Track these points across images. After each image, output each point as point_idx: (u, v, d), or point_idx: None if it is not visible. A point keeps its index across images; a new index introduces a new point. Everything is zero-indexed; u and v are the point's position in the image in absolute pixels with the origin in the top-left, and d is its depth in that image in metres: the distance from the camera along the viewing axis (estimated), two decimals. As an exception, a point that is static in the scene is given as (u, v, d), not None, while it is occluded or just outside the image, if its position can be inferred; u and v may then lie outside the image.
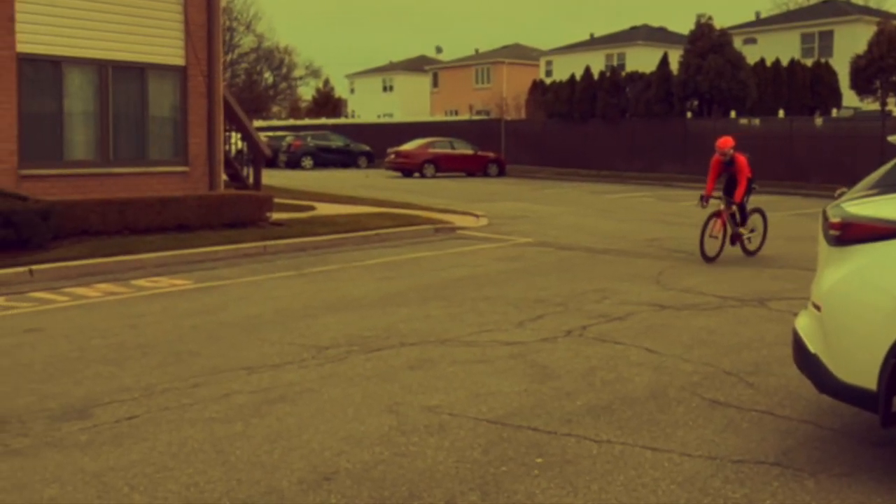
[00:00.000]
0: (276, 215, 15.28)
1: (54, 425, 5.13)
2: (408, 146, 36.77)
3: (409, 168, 35.55)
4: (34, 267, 10.47)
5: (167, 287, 10.03)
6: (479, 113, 56.30)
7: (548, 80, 46.09)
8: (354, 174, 36.51)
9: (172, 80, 15.91)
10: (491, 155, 37.94)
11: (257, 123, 52.02)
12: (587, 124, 38.87)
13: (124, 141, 15.34)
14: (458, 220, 17.08)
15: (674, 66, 36.13)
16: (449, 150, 36.87)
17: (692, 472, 4.46)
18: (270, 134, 44.30)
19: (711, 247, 12.00)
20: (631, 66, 47.39)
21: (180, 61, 15.89)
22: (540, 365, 6.50)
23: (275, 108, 71.24)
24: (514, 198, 24.06)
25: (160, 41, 15.61)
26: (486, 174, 36.90)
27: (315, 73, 71.98)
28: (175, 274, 10.86)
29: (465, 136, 40.48)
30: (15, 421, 5.19)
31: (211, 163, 16.28)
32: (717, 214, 12.17)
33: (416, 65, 75.89)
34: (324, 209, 18.09)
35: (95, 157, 14.88)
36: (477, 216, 17.96)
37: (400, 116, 61.99)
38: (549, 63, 60.62)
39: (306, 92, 78.21)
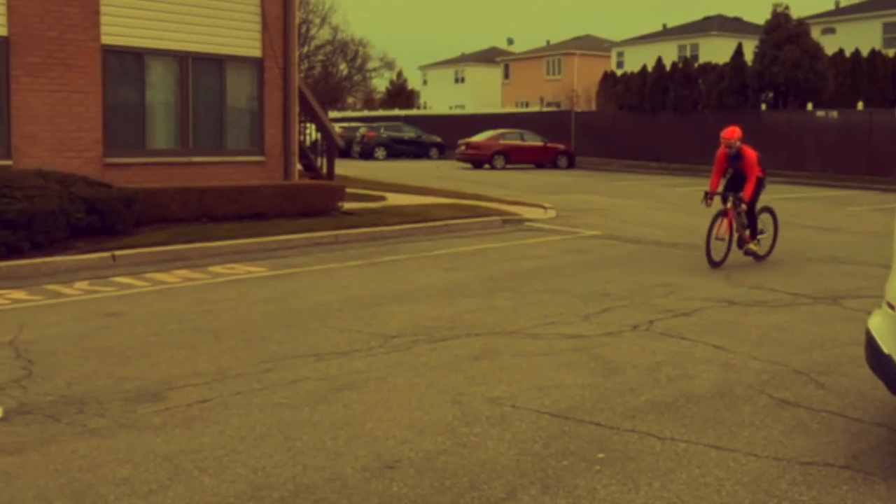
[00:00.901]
0: (347, 205, 15.39)
1: (130, 407, 5.24)
2: (478, 138, 36.71)
3: (479, 159, 35.49)
4: (117, 252, 10.73)
5: (242, 274, 10.19)
6: (549, 105, 55.91)
7: (619, 72, 45.52)
8: (425, 165, 36.58)
9: (249, 71, 16.13)
10: (560, 147, 37.64)
11: (332, 115, 52.52)
12: (658, 116, 38.29)
13: (203, 131, 15.62)
14: (526, 212, 16.98)
15: (748, 56, 35.31)
16: (519, 142, 36.70)
17: (758, 472, 4.35)
18: (345, 125, 44.68)
19: (717, 250, 10.64)
20: (704, 57, 46.47)
21: (257, 53, 16.10)
22: (604, 359, 6.41)
23: (350, 100, 71.83)
24: (583, 190, 23.83)
25: (238, 33, 15.83)
26: (555, 166, 36.64)
27: (389, 65, 72.34)
28: (250, 261, 11.02)
29: (535, 127, 40.24)
30: (93, 402, 5.32)
31: (286, 153, 16.48)
32: (724, 214, 10.78)
33: (487, 56, 75.67)
34: (394, 199, 18.16)
35: (176, 146, 15.18)
36: (545, 208, 17.83)
37: (471, 108, 61.90)
38: (620, 54, 59.86)
39: (380, 83, 78.67)
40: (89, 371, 5.98)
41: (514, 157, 35.89)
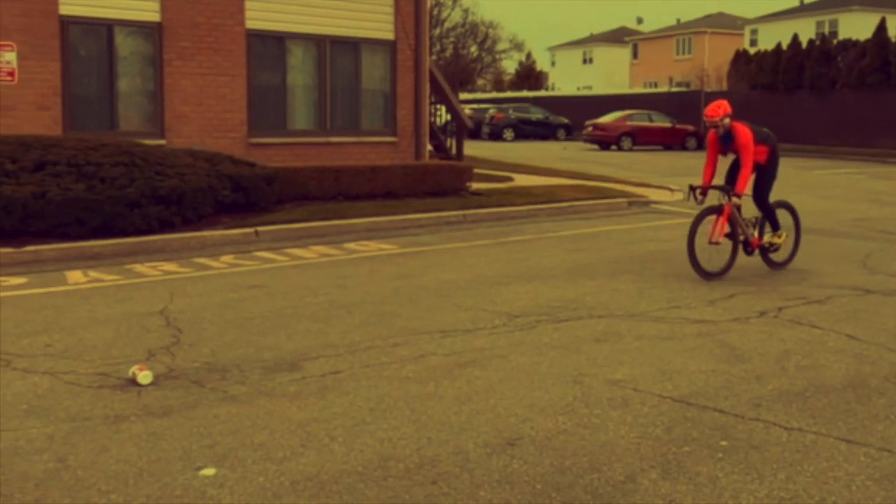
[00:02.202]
0: (475, 185, 15.44)
1: (268, 376, 5.43)
2: (605, 119, 36.13)
3: (606, 141, 34.95)
4: (259, 228, 11.11)
5: (375, 251, 10.38)
6: (678, 85, 54.38)
7: (752, 50, 43.82)
8: (552, 146, 36.30)
9: (383, 54, 16.34)
10: (690, 128, 36.64)
11: (462, 96, 52.68)
12: (793, 96, 36.71)
13: (339, 112, 15.95)
14: (652, 194, 16.63)
15: (893, 32, 33.29)
16: (647, 123, 35.93)
17: (892, 469, 4.13)
18: (474, 106, 44.76)
19: (711, 257, 8.53)
20: (844, 33, 44.20)
21: (390, 36, 16.29)
22: (729, 345, 6.23)
23: (479, 82, 71.89)
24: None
25: (372, 16, 16.06)
26: (684, 147, 35.71)
27: (518, 47, 72.02)
28: (382, 238, 11.21)
29: (664, 108, 39.28)
30: (234, 370, 5.54)
31: (417, 134, 16.65)
32: (716, 211, 8.64)
33: (616, 36, 74.20)
34: (521, 180, 18.10)
35: (314, 127, 15.57)
36: (672, 190, 17.40)
37: (599, 89, 60.92)
38: (753, 32, 57.57)
39: (509, 65, 78.39)
40: (231, 340, 6.22)
41: (642, 139, 35.16)
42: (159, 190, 10.42)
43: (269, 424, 4.60)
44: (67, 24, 12.98)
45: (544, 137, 41.95)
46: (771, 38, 46.18)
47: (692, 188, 8.79)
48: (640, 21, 76.46)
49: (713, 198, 8.85)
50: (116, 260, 9.47)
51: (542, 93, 61.84)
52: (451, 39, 62.43)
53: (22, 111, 12.46)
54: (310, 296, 7.75)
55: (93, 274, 8.71)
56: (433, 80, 17.54)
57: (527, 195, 15.14)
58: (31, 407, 4.79)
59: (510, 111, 42.87)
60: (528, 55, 77.38)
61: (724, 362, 5.81)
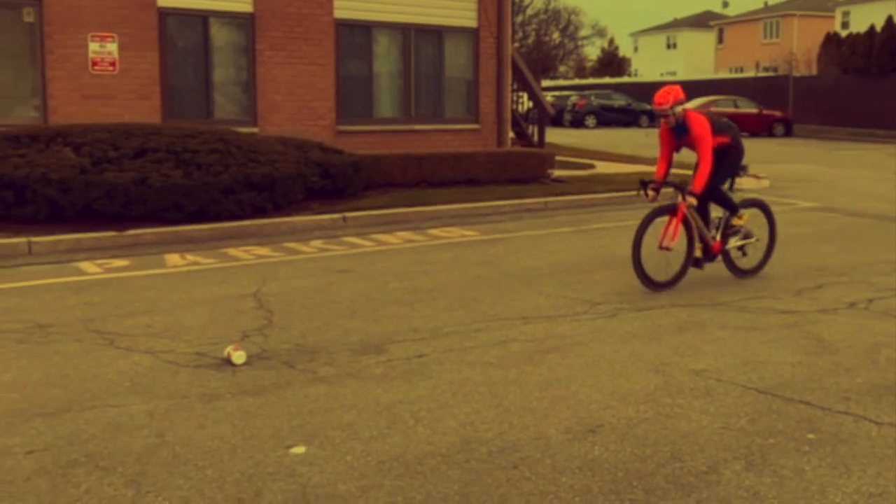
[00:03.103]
0: (557, 172, 15.34)
1: (355, 358, 5.52)
2: (689, 105, 35.36)
3: (690, 127, 34.22)
4: (347, 214, 11.27)
5: (458, 237, 10.43)
6: (765, 70, 52.87)
7: (843, 33, 42.28)
8: (635, 133, 35.74)
9: (466, 41, 16.34)
10: (777, 114, 35.63)
11: (544, 83, 52.27)
12: (887, 80, 35.28)
13: (423, 100, 16.03)
14: (738, 182, 16.23)
15: None
16: (732, 109, 35.05)
17: (982, 465, 3.99)
18: (556, 93, 44.38)
19: (661, 264, 7.39)
20: (942, 16, 42.21)
21: (473, 23, 16.28)
22: (817, 337, 6.07)
23: (562, 68, 71.20)
24: (801, 159, 22.48)
25: (455, 4, 16.07)
26: (771, 134, 34.76)
27: (600, 33, 71.07)
28: (465, 225, 11.25)
29: (750, 94, 38.27)
30: (323, 351, 5.65)
31: (499, 121, 16.61)
32: (668, 211, 7.51)
33: (700, 21, 72.46)
34: (603, 168, 17.90)
35: (399, 114, 15.68)
36: (758, 178, 16.96)
37: (683, 75, 59.63)
38: (845, 14, 55.45)
39: (591, 52, 77.39)
40: (320, 323, 6.35)
41: (727, 125, 34.34)
42: (252, 176, 10.65)
43: (356, 405, 4.68)
44: (165, 15, 13.34)
45: (626, 124, 41.33)
46: (864, 20, 44.45)
47: (642, 183, 7.72)
48: (725, 4, 74.54)
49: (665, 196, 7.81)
50: (212, 244, 9.74)
51: (624, 79, 60.90)
52: (534, 26, 61.89)
53: (123, 100, 12.88)
54: (395, 281, 7.84)
55: (190, 257, 8.98)
56: (515, 68, 17.46)
57: (608, 182, 14.98)
58: (133, 384, 4.98)
59: (592, 98, 42.36)
60: (611, 41, 76.29)
61: (811, 354, 5.67)
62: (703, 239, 7.74)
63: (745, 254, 8.03)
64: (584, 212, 12.62)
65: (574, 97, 42.50)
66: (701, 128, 7.43)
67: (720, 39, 67.91)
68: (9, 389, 4.86)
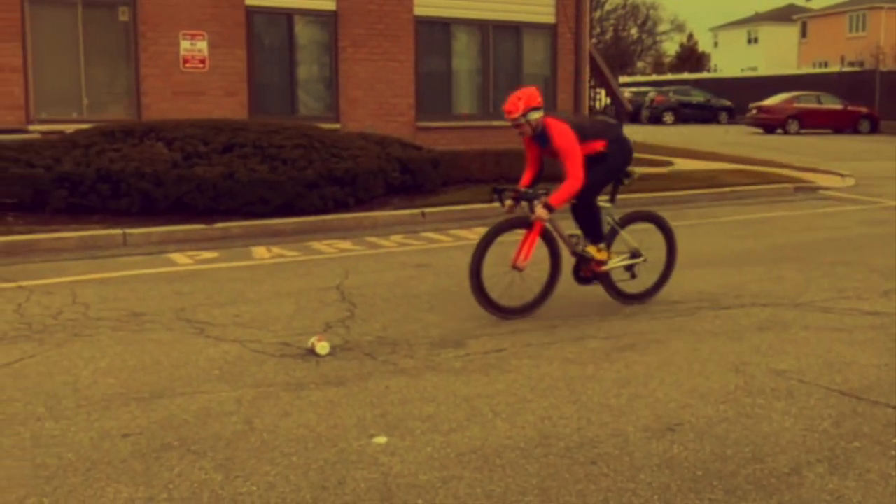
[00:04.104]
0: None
1: (434, 351, 5.57)
2: (770, 101, 34.50)
3: (770, 124, 33.39)
4: (426, 209, 11.35)
5: (533, 233, 10.38)
6: (851, 64, 51.21)
7: (934, 29, 40.63)
8: (714, 130, 35.03)
9: (544, 37, 16.27)
10: (863, 110, 34.45)
11: (622, 79, 51.59)
12: (978, 77, 33.83)
13: (501, 96, 15.94)
14: (820, 180, 15.81)
15: None
16: (815, 105, 34.06)
17: None
18: (634, 90, 43.78)
19: (511, 286, 6.34)
20: None
21: (551, 19, 16.19)
22: (903, 339, 5.87)
23: (639, 64, 70.24)
24: (888, 157, 21.72)
25: (534, 0, 15.98)
26: (856, 131, 33.64)
27: (679, 28, 69.95)
28: (540, 221, 11.20)
29: (834, 89, 37.09)
30: (404, 344, 5.71)
31: (577, 117, 16.49)
32: (521, 224, 6.44)
33: (783, 14, 70.49)
34: (682, 164, 17.62)
35: (477, 111, 15.70)
36: (842, 176, 16.49)
37: (764, 70, 58.16)
38: (937, 7, 53.34)
39: (670, 47, 76.13)
40: (400, 316, 6.41)
41: (810, 122, 33.38)
42: (335, 171, 10.80)
43: (435, 397, 4.72)
44: (252, 13, 13.62)
45: (705, 121, 40.53)
46: (955, 14, 42.69)
47: (496, 191, 6.58)
48: (809, -2, 72.41)
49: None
50: (296, 237, 9.92)
51: (703, 75, 59.70)
52: (612, 22, 61.25)
53: (212, 96, 13.20)
54: (474, 276, 7.85)
55: (275, 250, 9.17)
56: (593, 63, 17.31)
57: (687, 179, 14.73)
58: (222, 372, 5.12)
59: (670, 94, 41.65)
60: (690, 36, 74.90)
61: (897, 357, 5.49)
62: (574, 254, 6.69)
63: (634, 275, 6.85)
64: (663, 209, 12.28)
65: (652, 93, 41.86)
66: (563, 139, 6.23)
67: (803, 33, 65.98)
68: (106, 375, 5.04)
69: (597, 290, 7.22)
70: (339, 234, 10.19)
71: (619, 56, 58.16)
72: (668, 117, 40.01)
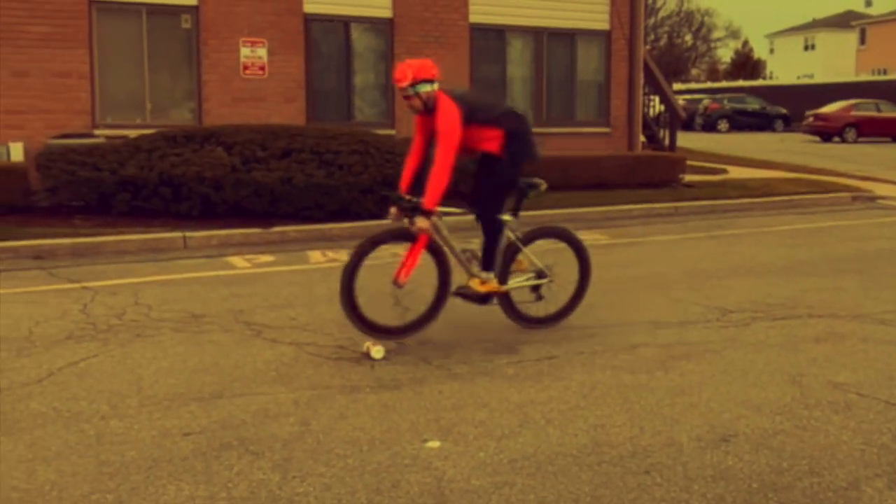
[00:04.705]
0: (688, 177, 15.00)
1: (487, 357, 5.57)
2: (827, 109, 33.80)
3: (827, 132, 32.71)
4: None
5: (588, 240, 10.25)
6: (911, 73, 49.95)
7: None
8: (769, 138, 34.45)
9: (597, 44, 16.20)
10: (923, 118, 33.57)
11: (675, 86, 51.05)
12: None
13: (555, 103, 15.97)
14: (879, 189, 15.46)
15: None
16: (874, 113, 33.29)
17: None
18: (688, 97, 43.24)
19: (394, 304, 5.79)
20: None
21: (605, 26, 16.11)
22: (966, 353, 5.71)
23: (693, 71, 69.41)
24: (947, 166, 21.15)
25: (588, 7, 15.94)
26: (915, 139, 32.82)
27: (734, 35, 68.90)
28: (594, 228, 11.15)
29: (894, 97, 36.20)
30: (458, 349, 5.72)
31: (630, 124, 16.37)
32: (401, 236, 5.74)
33: (841, 21, 69.06)
34: (736, 173, 17.37)
35: (531, 118, 15.65)
36: (901, 185, 16.12)
37: (821, 77, 57.05)
38: None
39: (725, 54, 75.06)
40: (454, 321, 6.38)
41: (868, 130, 32.63)
42: (390, 177, 10.83)
43: (488, 403, 4.73)
44: (310, 21, 13.79)
45: (760, 128, 39.86)
46: None
47: (384, 198, 5.89)
48: (868, 3, 70.80)
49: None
50: (351, 242, 9.90)
51: (758, 82, 58.75)
52: (666, 28, 60.65)
53: (270, 102, 13.39)
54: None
55: (330, 254, 9.26)
56: (647, 70, 17.17)
57: (741, 188, 14.53)
58: (279, 374, 5.19)
59: (725, 101, 41.05)
60: (745, 43, 73.74)
61: (959, 371, 5.34)
62: (466, 271, 5.95)
63: (540, 297, 6.15)
64: (717, 217, 12.29)
65: (706, 100, 41.31)
66: (444, 118, 5.39)
67: (862, 40, 64.57)
68: (167, 375, 5.14)
69: (647, 297, 7.16)
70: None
71: (673, 63, 57.55)
72: (723, 125, 39.44)
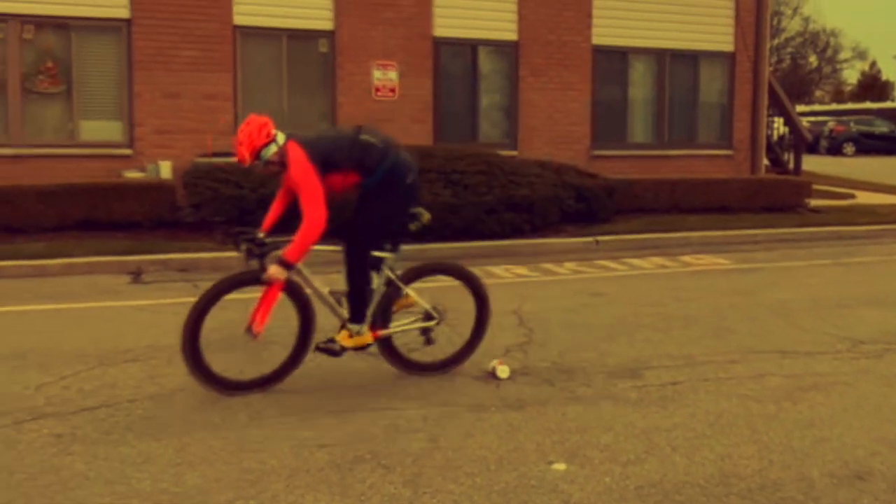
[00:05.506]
0: (814, 202, 14.37)
1: (610, 381, 5.46)
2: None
3: (963, 155, 30.76)
4: (599, 238, 11.23)
5: (709, 265, 10.05)
6: None
7: None
8: (899, 160, 32.67)
9: (721, 65, 15.80)
10: None
11: (799, 108, 49.13)
12: None
13: (676, 125, 15.63)
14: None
15: None
16: None
17: None
18: (812, 119, 41.49)
19: (245, 356, 5.45)
20: None
21: (729, 47, 15.70)
22: None
23: (817, 93, 66.69)
24: None
25: (711, 28, 15.57)
26: None
27: (861, 56, 65.71)
28: (716, 253, 10.84)
29: None
30: (580, 372, 5.64)
31: (753, 147, 15.86)
32: (253, 282, 4.97)
33: (979, 43, 64.90)
34: (864, 198, 16.54)
35: (652, 140, 15.39)
36: None
37: (957, 99, 53.71)
38: None
39: (851, 75, 71.67)
40: (576, 344, 6.35)
41: None
42: (513, 198, 10.88)
43: (612, 427, 4.63)
44: (439, 44, 13.96)
45: (889, 152, 37.79)
46: None
47: (232, 234, 5.27)
48: None
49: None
50: (475, 261, 9.99)
51: (887, 104, 55.80)
52: (789, 49, 58.46)
53: (399, 123, 13.61)
54: (647, 306, 7.68)
55: (454, 272, 9.32)
56: (771, 92, 16.60)
57: (870, 214, 13.82)
58: (408, 390, 5.20)
59: (851, 124, 39.16)
60: (873, 64, 70.23)
61: None
62: (336, 315, 5.22)
63: (430, 341, 5.49)
64: (844, 244, 11.72)
65: (831, 123, 39.52)
66: (296, 168, 4.84)
67: None
68: (304, 384, 5.24)
69: (772, 325, 6.89)
70: (515, 259, 10.23)
71: (797, 84, 55.40)
72: (849, 148, 37.62)
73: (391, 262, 5.26)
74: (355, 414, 4.78)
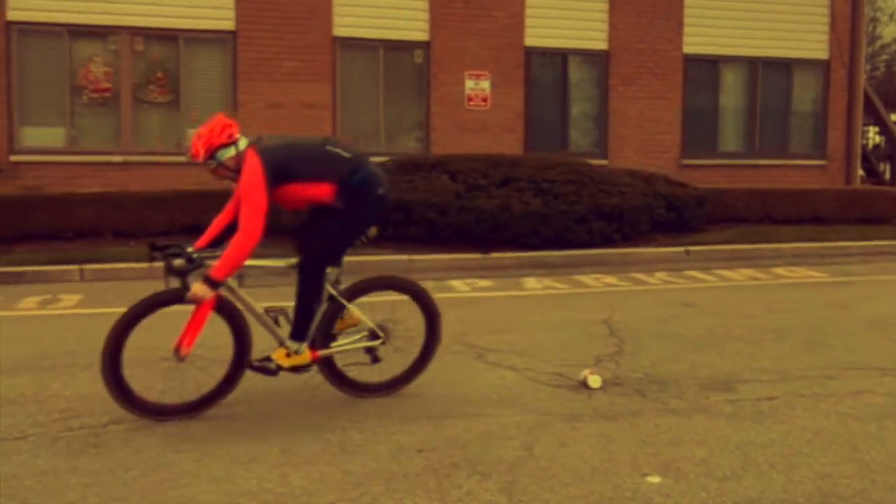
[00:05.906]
0: (913, 213, 13.76)
1: (703, 393, 5.33)
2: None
3: None
4: (690, 248, 11.00)
5: (803, 277, 9.73)
6: None
7: None
8: None
9: (814, 73, 15.28)
10: None
11: (894, 117, 47.12)
12: None
13: (768, 134, 15.19)
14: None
15: None
16: None
17: None
18: (909, 125, 39.72)
19: (174, 378, 5.07)
20: None
21: (823, 55, 15.18)
22: None
23: (916, 99, 63.73)
24: None
25: (805, 36, 15.09)
26: None
27: (963, 61, 62.44)
28: (809, 265, 10.48)
29: None
30: (672, 383, 5.53)
31: (848, 157, 15.28)
32: (171, 300, 4.53)
33: None
34: (967, 208, 15.71)
35: (743, 149, 15.00)
36: None
37: None
38: None
39: (952, 81, 68.30)
40: (667, 355, 6.22)
41: None
42: (603, 207, 10.76)
43: (707, 441, 4.52)
44: (530, 54, 13.92)
45: None
46: None
47: (152, 248, 4.63)
48: None
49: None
50: (564, 270, 9.97)
51: None
52: (885, 57, 56.06)
53: (491, 133, 13.63)
54: (739, 318, 7.48)
55: (545, 281, 9.27)
56: (866, 100, 15.95)
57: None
58: (501, 397, 5.22)
59: (952, 131, 37.32)
60: (977, 70, 66.78)
61: None
62: (274, 336, 4.83)
63: (376, 359, 5.08)
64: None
65: (929, 130, 37.74)
66: (245, 177, 4.44)
67: None
68: (403, 392, 5.28)
69: (870, 340, 6.61)
70: (605, 268, 10.11)
71: (893, 92, 53.06)
72: (948, 156, 35.86)
73: (333, 275, 4.84)
74: (449, 420, 4.79)
